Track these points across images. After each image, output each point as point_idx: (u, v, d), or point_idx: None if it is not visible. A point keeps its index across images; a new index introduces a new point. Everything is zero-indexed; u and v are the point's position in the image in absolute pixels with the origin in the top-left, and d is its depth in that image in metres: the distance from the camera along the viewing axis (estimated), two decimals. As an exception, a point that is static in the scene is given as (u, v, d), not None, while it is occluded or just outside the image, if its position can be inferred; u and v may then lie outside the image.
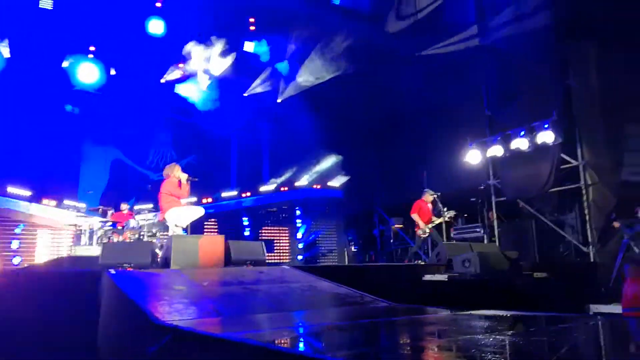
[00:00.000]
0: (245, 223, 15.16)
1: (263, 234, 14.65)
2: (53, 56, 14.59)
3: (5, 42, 13.32)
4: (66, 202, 12.08)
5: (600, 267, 9.79)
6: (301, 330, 3.79)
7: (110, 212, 11.32)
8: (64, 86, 14.76)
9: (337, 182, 16.05)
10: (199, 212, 8.09)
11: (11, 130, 13.49)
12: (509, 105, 11.97)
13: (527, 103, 11.50)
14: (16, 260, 11.32)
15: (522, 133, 10.98)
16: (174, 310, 4.24)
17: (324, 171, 16.44)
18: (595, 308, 8.33)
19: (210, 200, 15.32)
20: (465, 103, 13.05)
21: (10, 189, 11.72)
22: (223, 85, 17.38)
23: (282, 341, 3.08)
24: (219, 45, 16.65)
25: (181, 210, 7.89)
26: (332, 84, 16.45)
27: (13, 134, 13.55)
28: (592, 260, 10.12)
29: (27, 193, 11.92)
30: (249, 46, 17.37)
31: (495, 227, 12.07)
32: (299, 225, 15.12)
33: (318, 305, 5.21)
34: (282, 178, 16.11)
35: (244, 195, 15.72)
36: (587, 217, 10.43)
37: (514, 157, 11.48)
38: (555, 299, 7.56)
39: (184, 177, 7.93)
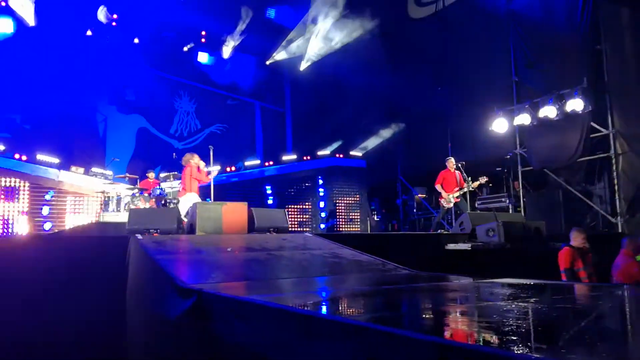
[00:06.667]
0: (269, 192, 15.26)
1: (286, 203, 14.74)
2: (77, 24, 14.72)
3: (30, 8, 13.35)
4: (94, 169, 12.27)
5: (628, 238, 9.61)
6: (323, 294, 3.83)
7: (136, 180, 11.54)
8: (87, 53, 14.87)
9: (360, 151, 15.98)
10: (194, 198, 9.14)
11: (40, 99, 13.73)
12: (536, 72, 11.66)
13: (555, 69, 11.19)
14: (47, 226, 11.64)
15: (551, 101, 10.70)
16: (198, 275, 4.34)
17: (348, 140, 16.35)
18: (622, 278, 8.21)
19: (233, 168, 15.47)
20: (492, 70, 12.74)
21: (40, 157, 11.96)
22: (246, 53, 17.30)
23: (305, 305, 3.12)
24: (242, 15, 16.55)
25: (187, 197, 9.11)
26: (354, 50, 16.21)
27: (41, 103, 13.79)
28: (620, 231, 9.93)
29: (55, 160, 12.14)
30: (272, 13, 17.18)
31: (521, 197, 11.90)
32: (321, 194, 15.16)
33: (340, 271, 5.25)
34: (305, 147, 16.09)
35: (267, 164, 15.79)
36: (616, 187, 10.21)
37: (542, 126, 11.24)
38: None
39: (202, 164, 9.40)
